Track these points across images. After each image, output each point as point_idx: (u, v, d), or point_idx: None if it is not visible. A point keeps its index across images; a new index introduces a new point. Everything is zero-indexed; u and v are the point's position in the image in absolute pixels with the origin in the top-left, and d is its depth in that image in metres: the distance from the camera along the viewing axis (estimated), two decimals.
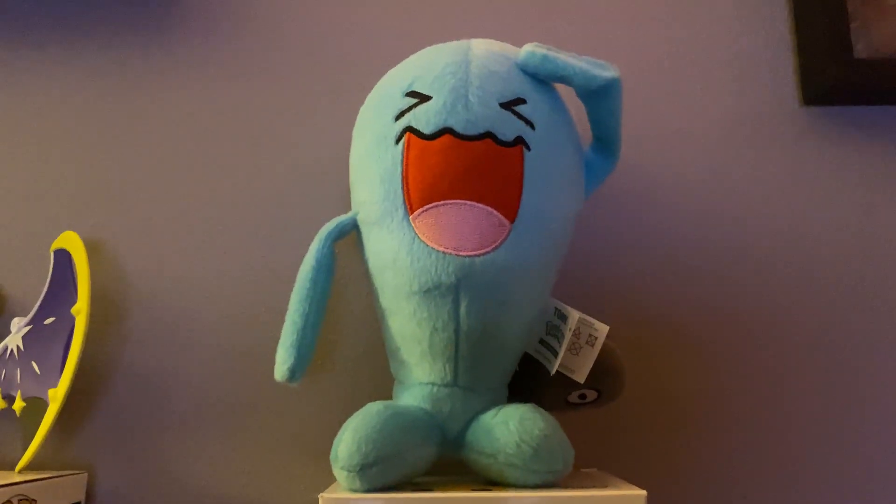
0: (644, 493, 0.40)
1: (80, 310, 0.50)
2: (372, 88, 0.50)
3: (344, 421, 0.44)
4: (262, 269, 0.57)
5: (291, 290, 0.48)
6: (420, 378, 0.46)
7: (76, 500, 0.51)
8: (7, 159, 0.59)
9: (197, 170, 0.59)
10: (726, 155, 0.61)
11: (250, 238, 0.58)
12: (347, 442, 0.41)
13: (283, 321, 0.48)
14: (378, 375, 0.55)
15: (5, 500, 0.43)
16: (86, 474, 0.53)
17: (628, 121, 0.49)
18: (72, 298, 0.51)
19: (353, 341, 0.56)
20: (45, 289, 0.53)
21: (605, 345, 0.47)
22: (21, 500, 0.45)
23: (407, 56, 0.50)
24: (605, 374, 0.48)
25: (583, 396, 0.49)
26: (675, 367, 0.57)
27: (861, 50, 0.59)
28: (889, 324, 0.58)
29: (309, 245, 0.48)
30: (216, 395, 0.55)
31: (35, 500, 0.46)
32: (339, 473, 0.41)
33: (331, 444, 0.44)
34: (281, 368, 0.46)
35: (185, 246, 0.57)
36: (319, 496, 0.40)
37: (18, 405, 0.51)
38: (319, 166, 0.59)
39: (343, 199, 0.56)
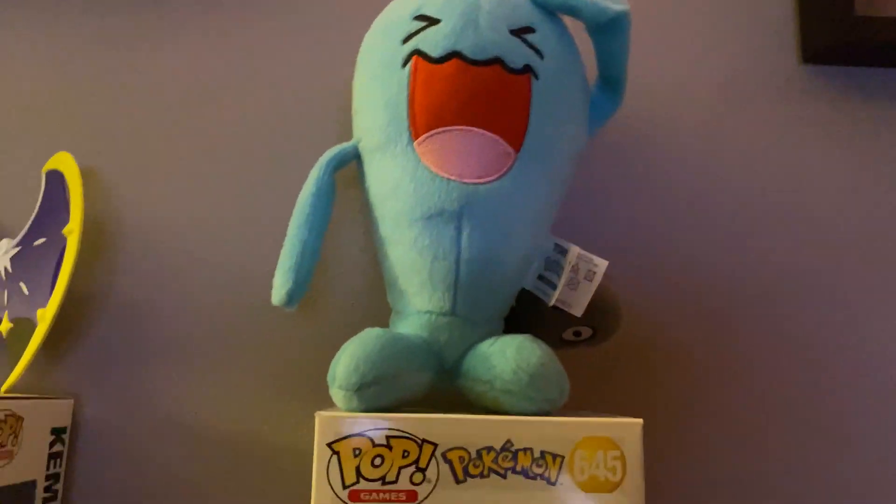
0: (640, 421, 0.40)
1: (73, 230, 0.49)
2: (370, 18, 0.50)
3: (336, 353, 0.44)
4: (256, 198, 0.56)
5: (285, 220, 0.48)
6: (418, 307, 0.46)
7: (63, 425, 0.50)
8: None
9: (193, 99, 0.58)
10: (724, 110, 0.61)
11: (245, 167, 0.57)
12: (345, 362, 0.41)
13: (277, 252, 0.47)
14: (372, 308, 0.54)
15: None
16: (72, 400, 0.52)
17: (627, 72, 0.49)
18: (63, 220, 0.50)
19: (346, 273, 0.56)
20: (35, 210, 0.52)
21: (601, 283, 0.47)
22: (8, 415, 0.44)
23: None
24: (602, 311, 0.48)
25: (577, 334, 0.49)
26: (667, 312, 0.57)
27: (861, 8, 0.59)
28: (883, 279, 0.59)
29: (304, 175, 0.48)
30: (207, 326, 0.54)
31: (22, 418, 0.45)
32: (336, 393, 0.41)
33: (323, 376, 0.44)
34: (279, 292, 0.45)
35: (179, 175, 0.56)
36: (316, 414, 0.40)
37: (5, 326, 0.50)
38: (318, 95, 0.58)
39: (339, 131, 0.56)
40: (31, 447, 0.46)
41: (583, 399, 0.53)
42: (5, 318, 0.50)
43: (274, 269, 0.47)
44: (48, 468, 0.49)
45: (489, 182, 0.43)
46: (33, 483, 0.47)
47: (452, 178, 0.43)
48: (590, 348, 0.51)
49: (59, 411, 0.50)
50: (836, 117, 0.61)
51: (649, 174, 0.60)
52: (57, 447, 0.50)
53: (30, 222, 0.52)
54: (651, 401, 0.55)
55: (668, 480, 0.53)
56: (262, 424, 0.53)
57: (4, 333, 0.50)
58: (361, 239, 0.56)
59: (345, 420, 0.40)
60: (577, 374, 0.46)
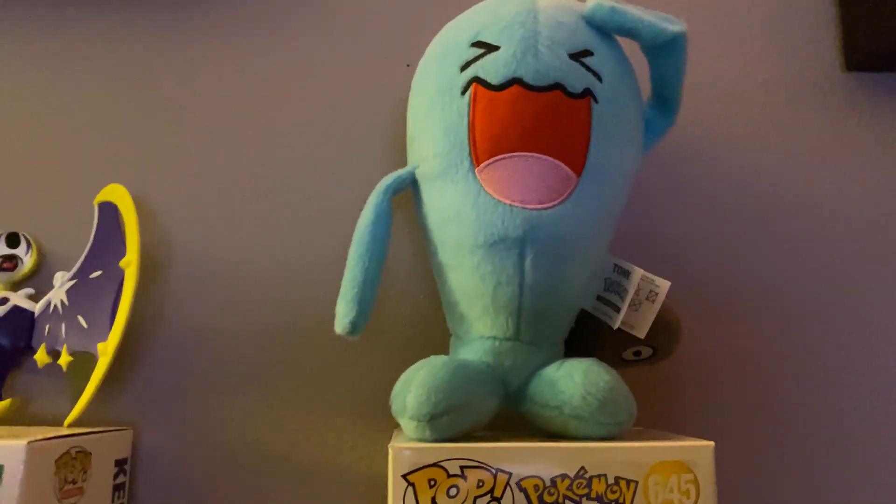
0: (712, 443, 0.40)
1: (130, 262, 0.49)
2: (422, 44, 0.50)
3: (390, 379, 0.44)
4: (306, 227, 0.56)
5: (336, 247, 0.48)
6: (481, 332, 0.46)
7: (124, 456, 0.51)
8: (50, 112, 0.58)
9: (243, 127, 0.58)
10: (769, 119, 0.61)
11: (296, 195, 0.57)
12: (416, 392, 0.41)
13: (330, 279, 0.48)
14: (426, 331, 0.55)
15: (65, 450, 0.43)
16: (131, 431, 0.52)
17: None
18: (119, 252, 0.50)
19: (399, 297, 0.56)
20: (89, 243, 0.52)
21: None
22: (79, 452, 0.44)
23: (461, 10, 0.49)
24: (662, 330, 0.48)
25: (637, 353, 0.49)
26: (718, 327, 0.57)
27: None
28: None
29: (355, 198, 0.48)
30: (262, 353, 0.54)
31: (91, 454, 0.45)
32: (408, 424, 0.41)
33: (379, 401, 0.45)
34: (343, 321, 0.45)
35: (229, 202, 0.57)
36: (389, 446, 0.40)
37: (65, 360, 0.50)
38: (369, 123, 0.58)
39: (389, 154, 0.56)
40: (97, 481, 0.47)
41: (645, 416, 0.53)
42: (64, 352, 0.50)
43: (324, 293, 0.48)
44: (112, 500, 0.49)
45: (552, 207, 0.43)
46: None
47: (515, 204, 0.43)
48: (649, 367, 0.51)
49: (120, 442, 0.50)
50: (879, 124, 0.61)
51: (693, 185, 0.60)
52: (120, 479, 0.50)
53: (84, 255, 0.52)
54: (715, 416, 0.55)
55: (740, 500, 0.53)
56: (320, 449, 0.53)
57: (64, 367, 0.50)
58: (410, 262, 0.56)
59: (418, 451, 0.40)
60: (639, 392, 0.46)
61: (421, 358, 0.45)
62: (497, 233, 0.43)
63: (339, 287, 0.46)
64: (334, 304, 0.46)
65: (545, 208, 0.43)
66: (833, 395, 0.56)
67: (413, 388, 0.41)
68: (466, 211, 0.44)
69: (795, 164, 0.60)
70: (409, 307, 0.56)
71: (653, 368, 0.52)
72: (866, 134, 0.61)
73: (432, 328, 0.54)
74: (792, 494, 0.54)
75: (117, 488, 0.49)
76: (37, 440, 0.40)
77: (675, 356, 0.51)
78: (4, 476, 0.39)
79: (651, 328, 0.47)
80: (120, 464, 0.50)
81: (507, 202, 0.43)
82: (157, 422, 0.53)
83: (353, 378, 0.54)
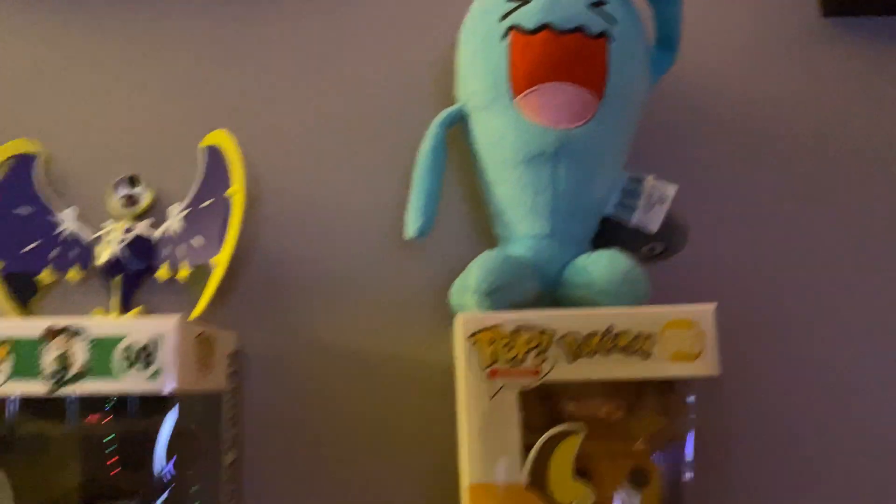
0: (714, 304, 0.51)
1: (237, 191, 0.60)
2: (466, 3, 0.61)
3: (448, 283, 0.57)
4: (374, 160, 0.67)
5: (402, 175, 0.59)
6: (524, 233, 0.57)
7: (233, 350, 0.62)
8: (155, 74, 0.70)
9: (321, 78, 0.69)
10: (749, 64, 0.68)
11: (365, 134, 0.67)
12: (477, 273, 0.52)
13: (396, 207, 0.59)
14: (475, 243, 0.65)
15: (199, 332, 0.54)
16: (236, 332, 0.63)
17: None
18: (225, 184, 0.61)
19: (455, 217, 0.66)
20: (198, 179, 0.63)
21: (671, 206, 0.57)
22: (206, 336, 0.55)
23: None
24: (671, 228, 0.58)
25: (652, 249, 0.60)
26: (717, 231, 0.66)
27: None
28: None
29: (412, 133, 0.60)
30: (339, 265, 0.65)
31: (214, 340, 0.57)
32: (471, 298, 0.52)
33: (440, 301, 0.58)
34: (412, 227, 0.56)
35: (310, 143, 0.68)
36: (458, 315, 0.51)
37: (183, 273, 0.61)
38: (424, 72, 0.68)
39: (441, 100, 0.67)
40: (218, 364, 0.58)
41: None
42: (184, 267, 0.61)
43: (391, 214, 0.60)
44: (228, 383, 0.60)
45: (579, 126, 0.54)
46: (221, 394, 0.59)
47: (548, 125, 0.54)
48: (663, 262, 0.61)
49: (230, 340, 0.62)
50: (857, 67, 0.68)
51: (682, 130, 0.67)
52: (232, 367, 0.61)
53: (195, 189, 0.63)
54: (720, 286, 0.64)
55: (740, 353, 0.61)
56: (391, 343, 0.64)
57: (185, 279, 0.61)
58: (459, 190, 0.67)
59: (480, 317, 0.51)
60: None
61: None
62: (534, 150, 0.54)
63: (404, 209, 0.58)
64: (402, 222, 0.58)
65: (573, 128, 0.54)
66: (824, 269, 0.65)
67: (473, 270, 0.52)
68: (509, 134, 0.55)
69: (777, 107, 0.68)
70: (462, 222, 0.66)
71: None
72: (844, 76, 0.68)
73: (480, 240, 0.64)
74: (788, 345, 0.64)
75: (231, 375, 0.61)
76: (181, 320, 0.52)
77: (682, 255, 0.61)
78: (162, 343, 0.50)
79: (662, 227, 0.57)
80: (231, 356, 0.61)
81: (542, 124, 0.54)
82: (256, 326, 0.65)
83: (418, 283, 0.64)
